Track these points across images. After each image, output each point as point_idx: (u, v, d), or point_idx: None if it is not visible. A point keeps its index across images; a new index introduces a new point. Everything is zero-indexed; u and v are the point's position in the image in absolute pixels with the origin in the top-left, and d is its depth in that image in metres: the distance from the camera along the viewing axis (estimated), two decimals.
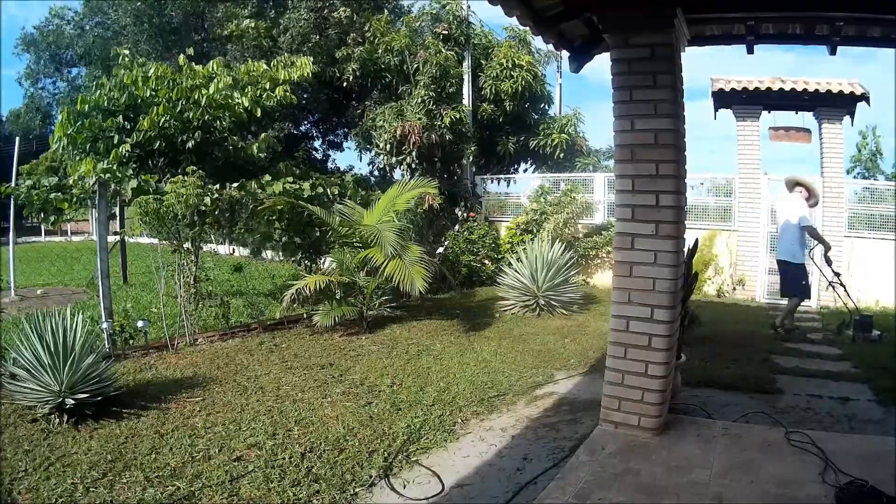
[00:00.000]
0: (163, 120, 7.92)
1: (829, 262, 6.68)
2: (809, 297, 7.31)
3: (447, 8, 12.76)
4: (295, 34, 13.90)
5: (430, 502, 2.91)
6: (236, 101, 8.40)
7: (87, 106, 8.07)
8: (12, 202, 8.97)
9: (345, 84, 13.10)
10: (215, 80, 8.26)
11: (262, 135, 9.54)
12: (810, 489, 2.75)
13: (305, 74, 9.11)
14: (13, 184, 8.28)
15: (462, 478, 3.15)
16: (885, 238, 8.52)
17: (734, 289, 9.44)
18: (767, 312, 8.31)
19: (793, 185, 6.87)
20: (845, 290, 6.77)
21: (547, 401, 4.44)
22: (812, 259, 7.07)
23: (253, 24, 14.24)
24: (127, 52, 8.59)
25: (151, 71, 8.28)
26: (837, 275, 6.78)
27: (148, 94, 8.11)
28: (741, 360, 5.39)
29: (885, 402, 4.27)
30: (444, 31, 12.05)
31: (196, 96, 8.15)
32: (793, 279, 6.75)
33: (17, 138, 11.04)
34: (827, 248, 6.58)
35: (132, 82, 8.13)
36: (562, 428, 3.85)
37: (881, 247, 8.49)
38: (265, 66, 8.96)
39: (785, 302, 7.19)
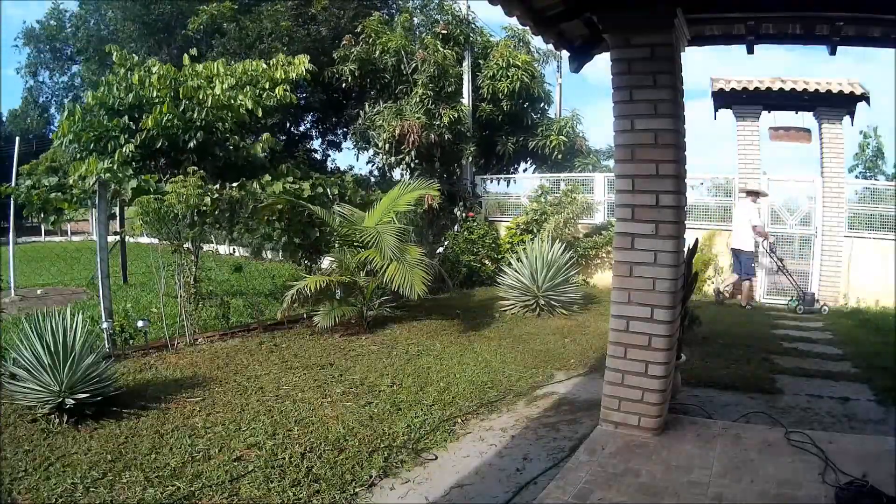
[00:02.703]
0: (165, 119, 7.93)
1: (772, 250, 8.69)
2: (755, 276, 9.07)
3: (443, 8, 12.77)
4: (279, 31, 13.95)
5: (430, 502, 2.91)
6: (240, 101, 8.41)
7: (95, 103, 8.07)
8: (12, 202, 8.96)
9: (343, 84, 13.10)
10: (220, 81, 8.26)
11: (265, 135, 9.53)
12: (810, 489, 2.76)
13: (301, 73, 9.10)
14: (13, 184, 8.28)
15: (462, 478, 3.15)
16: (885, 238, 8.52)
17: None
18: (767, 312, 8.33)
19: (745, 192, 8.83)
20: (787, 274, 8.64)
21: (547, 401, 4.44)
22: (765, 249, 8.79)
23: (227, 8, 14.31)
24: (116, 50, 8.62)
25: (156, 69, 8.28)
26: (781, 260, 8.67)
27: (154, 94, 8.10)
28: (741, 360, 5.39)
29: (885, 402, 4.27)
30: (443, 31, 12.05)
31: (201, 96, 8.15)
32: (745, 262, 8.65)
33: (17, 138, 11.04)
34: (766, 239, 8.71)
35: (139, 82, 8.13)
36: (562, 428, 3.85)
37: (881, 247, 8.49)
38: (265, 65, 8.95)
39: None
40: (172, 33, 17.93)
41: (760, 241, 8.67)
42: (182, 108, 8.08)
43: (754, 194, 8.73)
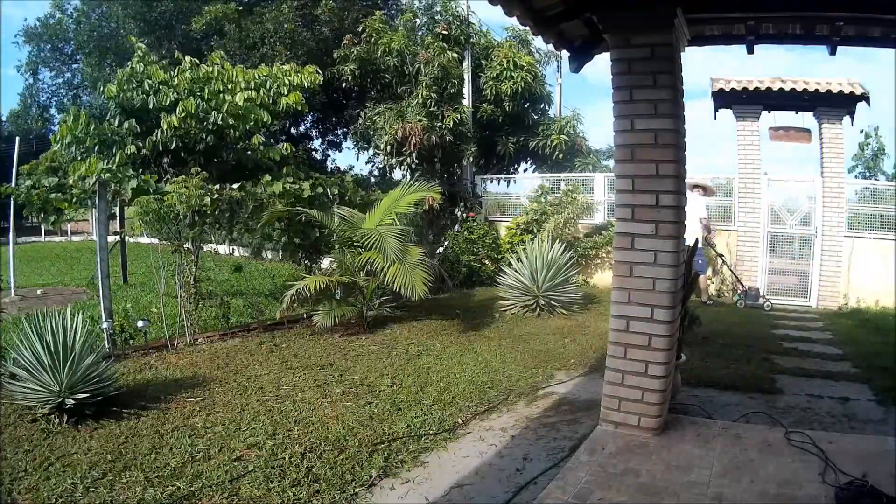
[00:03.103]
0: (181, 119, 7.90)
1: (711, 244, 8.99)
2: (704, 273, 8.93)
3: (446, 8, 12.76)
4: (282, 32, 13.93)
5: (430, 502, 2.91)
6: (257, 113, 8.41)
7: (112, 97, 8.05)
8: (12, 202, 8.96)
9: (343, 84, 13.10)
10: (241, 89, 8.28)
11: (284, 144, 9.56)
12: (810, 489, 2.76)
13: (318, 82, 9.14)
14: (13, 184, 8.28)
15: (462, 478, 3.15)
16: (885, 238, 8.52)
17: (734, 289, 9.44)
18: (768, 313, 8.33)
19: (692, 186, 8.65)
20: (729, 267, 9.09)
21: (547, 401, 4.44)
22: (708, 243, 8.95)
23: (231, 9, 14.28)
24: (143, 45, 8.62)
25: (187, 60, 8.29)
26: (721, 255, 9.07)
27: (168, 100, 8.06)
28: (741, 360, 5.40)
29: (885, 402, 4.27)
30: (443, 31, 12.04)
31: (219, 100, 8.16)
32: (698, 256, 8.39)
33: (17, 138, 11.04)
34: (710, 232, 8.90)
35: (163, 83, 8.12)
36: (562, 428, 3.85)
37: (881, 247, 8.49)
38: (286, 68, 8.96)
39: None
40: (173, 31, 17.93)
41: (705, 234, 8.73)
42: (199, 108, 8.07)
43: (701, 188, 8.88)
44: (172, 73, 8.35)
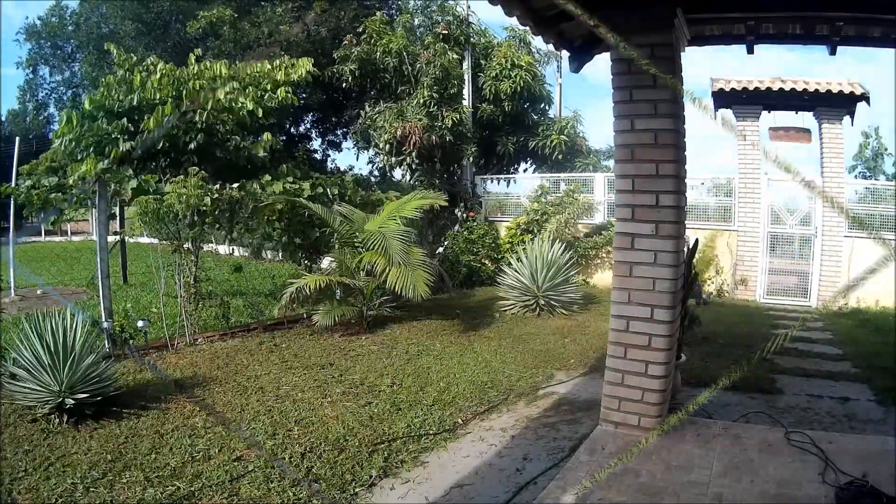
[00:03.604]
0: (166, 120, 7.90)
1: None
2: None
3: (444, 8, 12.78)
4: (278, 34, 13.93)
5: (430, 502, 2.91)
6: (241, 104, 8.39)
7: (92, 107, 8.07)
8: (12, 202, 8.96)
9: (343, 84, 13.10)
10: (222, 85, 8.25)
11: (265, 135, 9.53)
12: (810, 489, 2.76)
13: (302, 75, 9.08)
14: (13, 184, 8.28)
15: (462, 478, 3.15)
16: (885, 238, 8.52)
17: (735, 288, 9.44)
18: (768, 312, 8.33)
19: None
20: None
21: (547, 401, 4.44)
22: None
23: (226, 14, 14.26)
24: (115, 48, 8.61)
25: (159, 67, 8.27)
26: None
27: (156, 96, 8.06)
28: (741, 360, 5.39)
29: (885, 402, 4.27)
30: (443, 31, 12.04)
31: (202, 98, 8.14)
32: None
33: (17, 138, 11.04)
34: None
35: (140, 83, 8.12)
36: (562, 428, 3.85)
37: (881, 247, 8.49)
38: (269, 66, 8.94)
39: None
40: (170, 32, 17.92)
41: None
42: (183, 109, 8.05)
43: None
44: (155, 75, 8.34)
